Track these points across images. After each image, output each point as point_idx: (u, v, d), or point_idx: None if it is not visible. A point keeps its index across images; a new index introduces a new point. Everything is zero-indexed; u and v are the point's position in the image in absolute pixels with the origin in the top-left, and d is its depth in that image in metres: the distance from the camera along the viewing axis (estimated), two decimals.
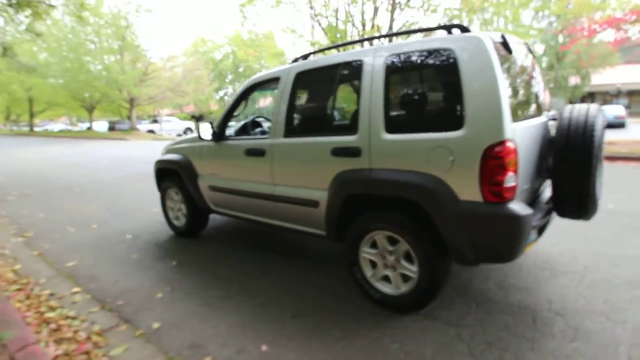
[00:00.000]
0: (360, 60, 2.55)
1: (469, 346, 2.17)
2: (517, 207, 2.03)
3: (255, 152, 3.14)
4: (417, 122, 2.32)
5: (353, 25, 11.63)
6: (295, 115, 2.95)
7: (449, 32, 2.33)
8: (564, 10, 13.09)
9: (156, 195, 4.62)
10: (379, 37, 3.03)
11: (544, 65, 24.61)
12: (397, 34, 2.80)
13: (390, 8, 11.61)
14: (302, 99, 3.10)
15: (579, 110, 2.27)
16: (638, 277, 2.80)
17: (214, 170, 3.64)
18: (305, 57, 3.05)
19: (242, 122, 3.89)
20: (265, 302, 2.78)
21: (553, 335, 2.21)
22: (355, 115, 2.53)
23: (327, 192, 2.70)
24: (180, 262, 3.60)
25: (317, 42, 12.41)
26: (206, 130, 3.47)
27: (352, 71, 2.65)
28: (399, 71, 2.41)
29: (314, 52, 3.05)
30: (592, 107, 2.26)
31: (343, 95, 2.88)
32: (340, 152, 2.57)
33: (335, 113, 2.88)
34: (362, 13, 11.49)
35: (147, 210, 5.53)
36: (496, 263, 2.22)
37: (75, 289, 3.15)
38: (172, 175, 4.23)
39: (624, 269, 2.92)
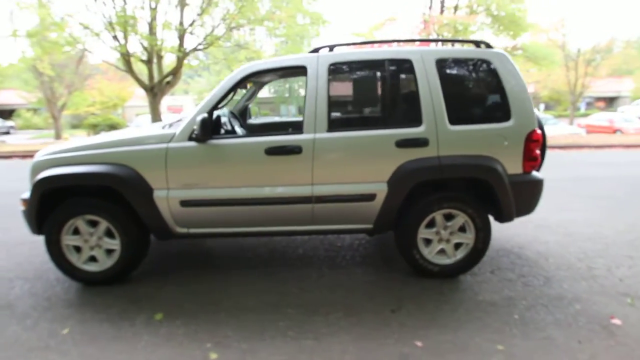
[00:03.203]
0: (409, 60, 2.77)
1: (522, 287, 2.87)
2: (538, 174, 2.93)
3: (286, 150, 2.70)
4: (475, 115, 2.83)
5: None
6: (340, 108, 2.77)
7: (477, 46, 2.95)
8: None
9: None
10: (411, 41, 3.25)
11: None
12: (432, 40, 3.16)
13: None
14: (343, 91, 2.90)
15: None
16: (532, 236, 4.00)
17: (196, 180, 2.77)
18: (331, 48, 2.87)
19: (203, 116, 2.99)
20: (349, 312, 2.53)
21: (548, 271, 3.09)
22: (416, 108, 2.74)
23: (385, 183, 2.76)
24: (169, 313, 2.55)
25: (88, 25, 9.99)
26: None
27: (401, 68, 2.83)
28: (449, 72, 2.82)
29: (342, 44, 2.91)
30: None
31: (393, 90, 2.91)
32: (406, 143, 2.71)
33: (389, 106, 2.90)
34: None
35: None
36: (525, 215, 3.03)
37: None
38: (83, 196, 2.81)
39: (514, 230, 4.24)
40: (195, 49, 11.41)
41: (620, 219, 4.28)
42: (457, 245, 2.94)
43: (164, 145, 2.75)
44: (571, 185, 6.04)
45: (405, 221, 2.86)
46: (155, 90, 11.54)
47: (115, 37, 10.42)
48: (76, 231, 2.86)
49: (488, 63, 2.81)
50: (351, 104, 3.04)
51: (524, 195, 2.88)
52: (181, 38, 11.17)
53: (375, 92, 3.00)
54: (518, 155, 2.81)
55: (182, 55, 11.17)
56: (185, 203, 2.79)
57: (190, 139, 2.74)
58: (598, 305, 2.57)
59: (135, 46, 11.00)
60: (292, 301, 2.68)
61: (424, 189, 2.81)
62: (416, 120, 2.74)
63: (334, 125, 2.74)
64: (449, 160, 2.74)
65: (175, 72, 11.51)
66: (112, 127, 21.26)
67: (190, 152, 2.74)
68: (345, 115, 2.90)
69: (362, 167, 2.76)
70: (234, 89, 2.82)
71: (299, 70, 2.83)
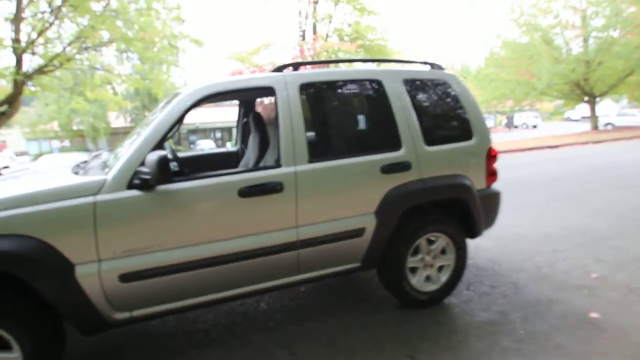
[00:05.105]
0: (379, 80, 2.61)
1: (502, 299, 2.97)
2: (496, 187, 3.08)
3: (266, 190, 2.19)
4: (444, 135, 2.80)
5: None
6: (317, 135, 2.39)
7: (432, 67, 2.97)
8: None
9: None
10: (370, 61, 3.03)
11: None
12: (385, 61, 3.01)
13: None
14: (317, 115, 2.49)
15: None
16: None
17: (145, 242, 2.00)
18: (295, 67, 2.47)
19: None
20: None
21: (509, 276, 3.32)
22: (394, 130, 2.57)
23: (373, 215, 2.50)
24: None
25: None
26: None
27: (373, 89, 2.62)
28: (418, 93, 2.75)
29: (304, 63, 2.52)
30: None
31: (368, 112, 2.63)
32: (391, 168, 2.51)
33: (367, 129, 2.60)
34: None
35: None
36: (488, 228, 3.12)
37: None
38: None
39: None
40: (41, 71, 9.26)
41: (522, 217, 4.92)
42: (439, 269, 2.86)
43: (89, 199, 1.93)
44: None
45: (392, 253, 2.63)
46: None
47: None
48: None
49: (446, 84, 2.86)
50: (328, 130, 2.68)
51: (489, 209, 2.99)
52: (19, 58, 8.94)
53: (351, 115, 2.74)
54: (482, 172, 2.90)
55: (21, 79, 8.92)
56: (127, 277, 2.00)
57: (132, 186, 1.99)
58: (571, 302, 2.77)
59: None
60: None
61: (409, 215, 2.65)
62: (396, 144, 2.58)
63: (314, 155, 2.36)
64: (431, 182, 2.65)
65: (13, 100, 9.11)
66: None
67: (135, 205, 1.99)
68: (324, 143, 2.55)
69: (349, 199, 2.45)
70: (184, 114, 2.18)
71: (264, 92, 2.39)
